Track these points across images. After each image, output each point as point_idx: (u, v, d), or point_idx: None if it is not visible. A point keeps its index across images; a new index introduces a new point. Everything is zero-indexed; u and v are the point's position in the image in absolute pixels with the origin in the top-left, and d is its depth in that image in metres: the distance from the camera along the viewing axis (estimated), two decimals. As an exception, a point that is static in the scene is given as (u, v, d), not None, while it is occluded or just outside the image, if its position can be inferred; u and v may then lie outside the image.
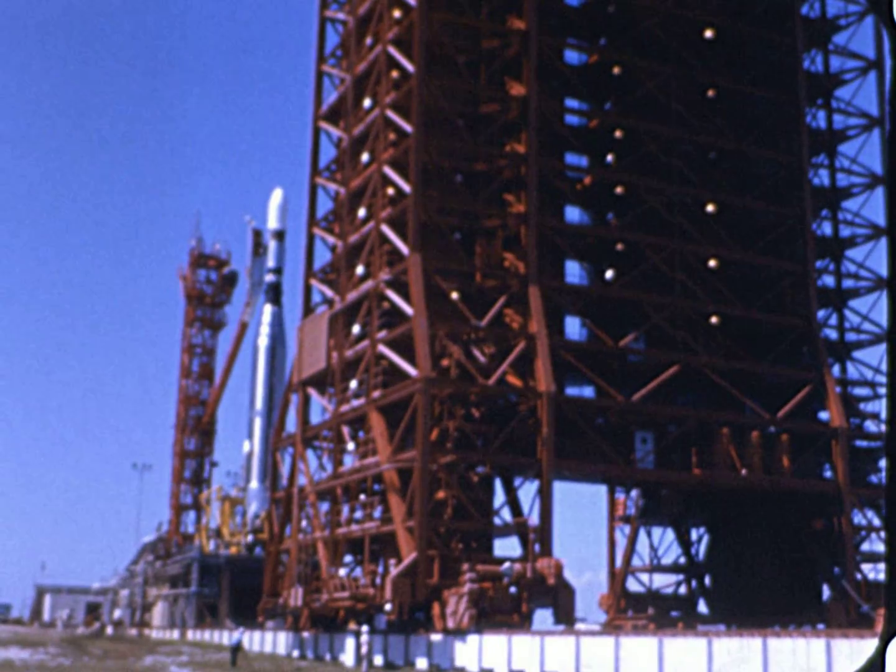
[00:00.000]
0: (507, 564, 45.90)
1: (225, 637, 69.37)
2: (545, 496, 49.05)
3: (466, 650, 43.19)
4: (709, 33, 59.75)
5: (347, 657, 50.64)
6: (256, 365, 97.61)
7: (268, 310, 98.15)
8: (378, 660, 47.99)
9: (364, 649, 44.54)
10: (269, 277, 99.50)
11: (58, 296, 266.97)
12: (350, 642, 50.46)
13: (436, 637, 45.29)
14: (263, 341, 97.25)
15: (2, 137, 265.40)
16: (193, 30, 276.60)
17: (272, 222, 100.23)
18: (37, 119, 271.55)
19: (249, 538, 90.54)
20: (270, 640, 64.01)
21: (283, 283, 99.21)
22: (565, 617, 45.90)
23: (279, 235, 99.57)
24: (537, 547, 47.52)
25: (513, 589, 45.72)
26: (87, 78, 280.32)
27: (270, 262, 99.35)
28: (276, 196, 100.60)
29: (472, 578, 44.60)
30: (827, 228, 64.95)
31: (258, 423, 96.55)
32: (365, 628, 46.29)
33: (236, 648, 49.58)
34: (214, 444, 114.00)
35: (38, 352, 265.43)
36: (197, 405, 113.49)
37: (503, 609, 45.14)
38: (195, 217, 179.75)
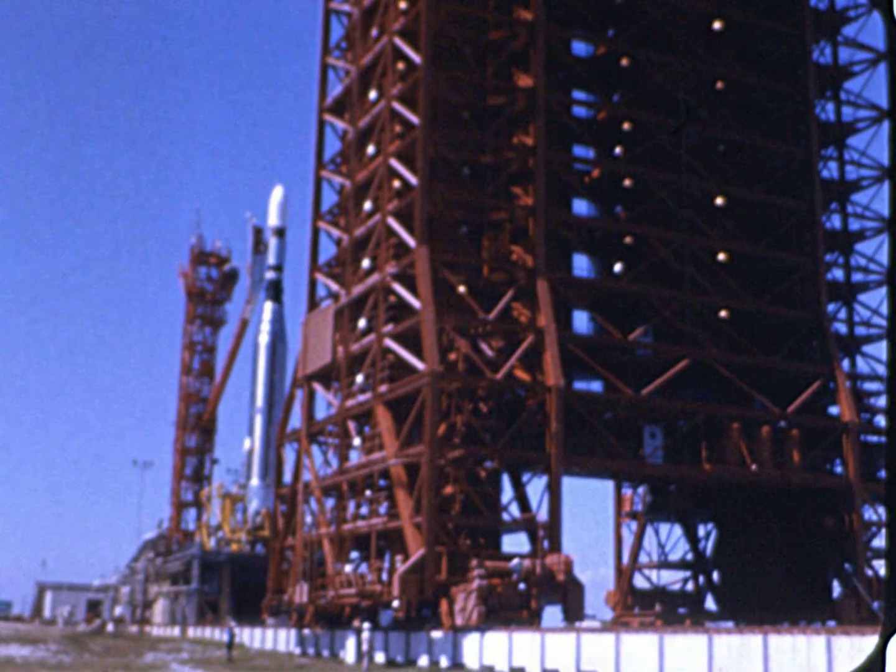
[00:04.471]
0: (516, 561, 45.35)
1: (226, 635, 68.98)
2: (554, 492, 48.46)
3: (468, 647, 42.69)
4: (717, 24, 59.22)
5: (348, 654, 50.16)
6: (257, 362, 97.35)
7: (268, 307, 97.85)
8: (380, 657, 47.46)
9: (365, 647, 44.04)
10: (270, 275, 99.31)
11: (59, 293, 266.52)
12: (351, 640, 49.96)
13: (436, 634, 44.79)
14: (264, 338, 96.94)
15: (2, 135, 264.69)
16: (195, 24, 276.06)
17: (273, 219, 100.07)
18: (37, 116, 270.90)
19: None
20: (271, 637, 63.48)
21: (284, 281, 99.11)
22: (575, 614, 45.34)
23: (280, 233, 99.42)
24: (546, 543, 46.99)
25: (522, 585, 45.18)
26: (87, 74, 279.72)
27: (271, 260, 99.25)
28: (277, 193, 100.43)
29: (481, 575, 44.06)
30: (836, 221, 64.46)
31: (259, 421, 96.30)
32: (367, 625, 45.81)
33: (230, 643, 52.53)
34: (215, 441, 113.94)
35: (40, 349, 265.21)
36: (198, 402, 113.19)
37: (512, 606, 44.64)
38: (195, 214, 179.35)
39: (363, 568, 52.19)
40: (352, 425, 55.08)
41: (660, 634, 33.30)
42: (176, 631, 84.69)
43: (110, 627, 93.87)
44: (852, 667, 25.49)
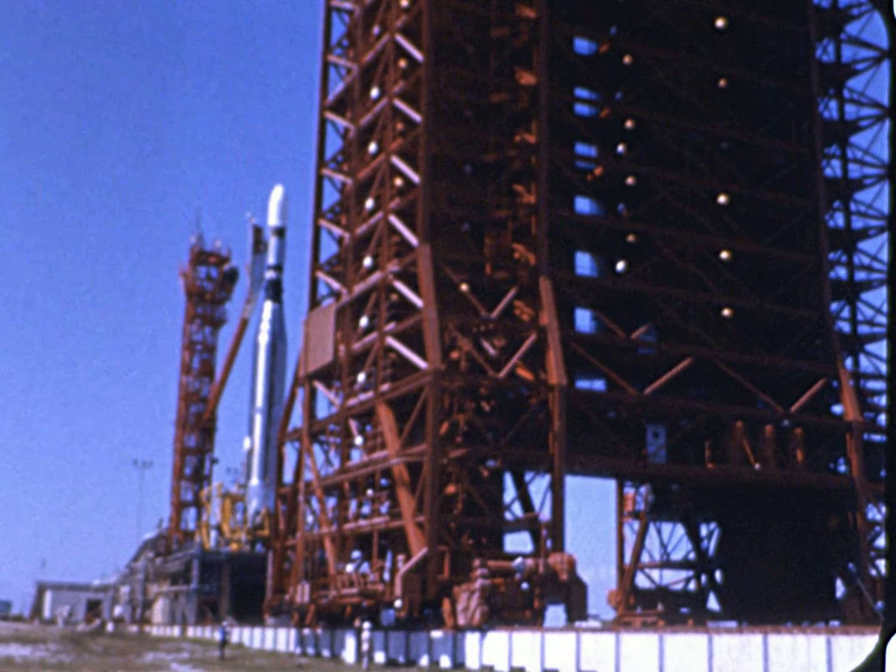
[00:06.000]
0: (519, 560, 45.10)
1: (219, 633, 68.84)
2: (556, 491, 48.29)
3: (469, 647, 42.47)
4: (720, 22, 59.09)
5: (348, 654, 49.95)
6: (257, 362, 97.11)
7: (268, 307, 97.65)
8: (380, 657, 47.23)
9: (365, 646, 43.79)
10: (270, 274, 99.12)
11: (59, 293, 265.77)
12: (351, 639, 49.74)
13: (437, 634, 44.57)
14: (264, 338, 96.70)
15: (2, 135, 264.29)
16: (195, 22, 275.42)
17: (273, 219, 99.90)
18: (36, 116, 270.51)
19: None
20: (271, 637, 63.25)
21: (284, 280, 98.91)
22: (578, 613, 45.09)
23: (280, 232, 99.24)
24: (549, 542, 46.76)
25: (525, 585, 44.94)
26: (86, 73, 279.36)
27: (271, 259, 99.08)
28: (277, 193, 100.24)
29: (484, 574, 43.81)
30: (839, 220, 64.30)
31: (259, 420, 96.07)
32: (367, 625, 45.56)
33: (223, 642, 53.68)
34: (215, 440, 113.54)
35: (39, 349, 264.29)
36: (197, 402, 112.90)
37: (515, 605, 44.34)
38: (195, 214, 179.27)
39: (365, 567, 51.99)
40: (353, 424, 54.84)
41: (660, 634, 33.19)
42: (176, 631, 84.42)
43: (110, 627, 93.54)
44: (852, 666, 25.39)
